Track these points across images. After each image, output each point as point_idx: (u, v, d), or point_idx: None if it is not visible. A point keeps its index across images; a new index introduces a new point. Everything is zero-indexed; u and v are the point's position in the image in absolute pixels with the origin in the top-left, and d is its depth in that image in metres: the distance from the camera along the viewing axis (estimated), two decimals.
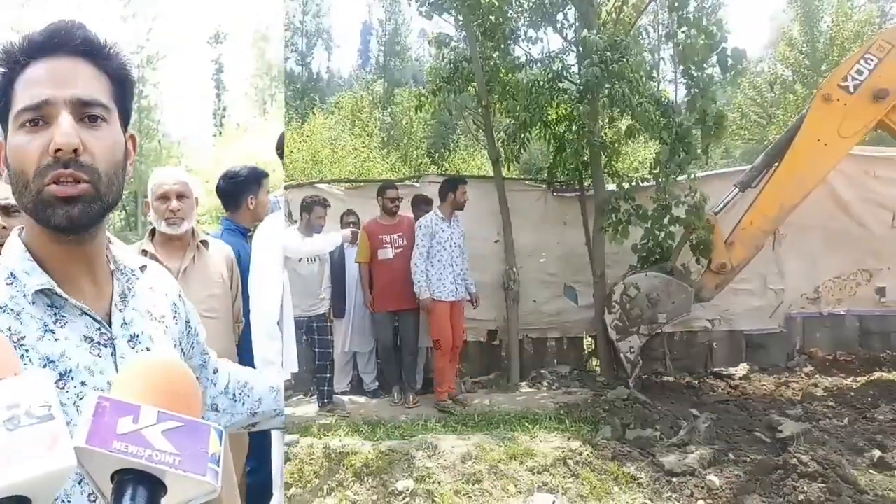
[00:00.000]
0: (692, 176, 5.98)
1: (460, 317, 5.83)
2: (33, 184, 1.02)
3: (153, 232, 3.16)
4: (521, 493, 3.82)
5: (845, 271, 7.03)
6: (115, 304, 1.14)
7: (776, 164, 5.85)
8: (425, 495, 3.79)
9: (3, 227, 2.33)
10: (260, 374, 1.55)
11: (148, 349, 1.15)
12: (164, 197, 3.07)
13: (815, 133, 5.62)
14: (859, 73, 5.50)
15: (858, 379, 5.97)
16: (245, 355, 3.25)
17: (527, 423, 4.82)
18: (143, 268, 1.26)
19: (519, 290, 6.62)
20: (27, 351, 1.00)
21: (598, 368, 6.72)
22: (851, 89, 5.50)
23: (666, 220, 5.72)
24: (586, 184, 6.69)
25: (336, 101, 22.79)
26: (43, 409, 0.69)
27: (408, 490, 3.84)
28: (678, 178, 5.88)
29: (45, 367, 1.01)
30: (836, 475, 3.42)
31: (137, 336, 1.14)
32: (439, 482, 3.89)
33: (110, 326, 1.11)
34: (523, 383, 6.47)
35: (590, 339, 7.04)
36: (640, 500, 3.69)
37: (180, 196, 3.08)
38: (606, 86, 5.45)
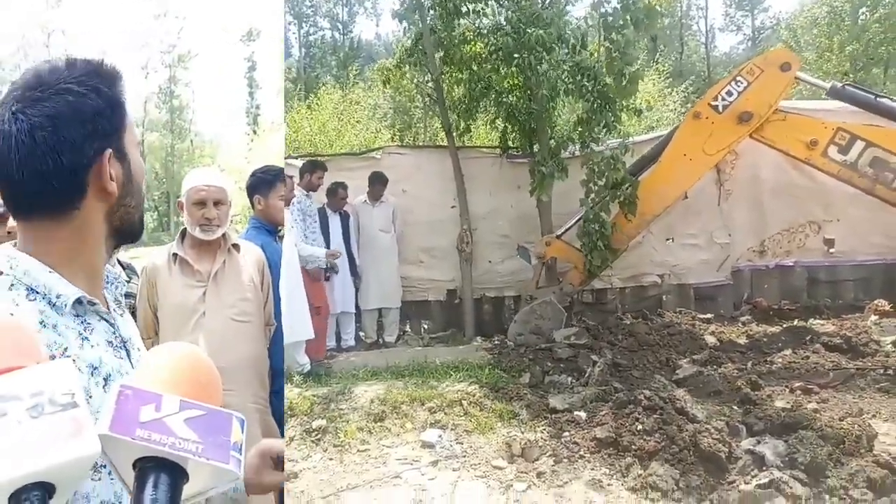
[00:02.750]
0: (625, 138, 6.32)
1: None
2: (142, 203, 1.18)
3: (184, 233, 3.04)
4: (415, 429, 4.39)
5: (794, 223, 7.24)
6: (114, 310, 1.16)
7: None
8: (334, 431, 4.40)
9: None
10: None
11: (138, 349, 1.19)
12: (201, 203, 2.93)
13: (682, 148, 5.89)
14: (729, 94, 5.74)
15: (786, 325, 6.25)
16: (276, 358, 3.25)
17: (451, 372, 5.36)
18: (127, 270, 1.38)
19: (472, 252, 7.10)
20: (73, 361, 0.98)
21: None
22: (720, 109, 5.76)
23: (584, 176, 6.04)
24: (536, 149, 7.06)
25: (378, 68, 22.44)
26: (66, 397, 0.69)
27: (321, 428, 4.45)
28: (608, 139, 6.23)
29: (91, 374, 1.01)
30: (673, 408, 3.85)
31: (131, 338, 1.18)
32: (347, 420, 4.50)
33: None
34: (478, 338, 6.98)
35: None
36: (517, 431, 4.21)
37: (217, 203, 2.95)
38: (516, 55, 5.80)
